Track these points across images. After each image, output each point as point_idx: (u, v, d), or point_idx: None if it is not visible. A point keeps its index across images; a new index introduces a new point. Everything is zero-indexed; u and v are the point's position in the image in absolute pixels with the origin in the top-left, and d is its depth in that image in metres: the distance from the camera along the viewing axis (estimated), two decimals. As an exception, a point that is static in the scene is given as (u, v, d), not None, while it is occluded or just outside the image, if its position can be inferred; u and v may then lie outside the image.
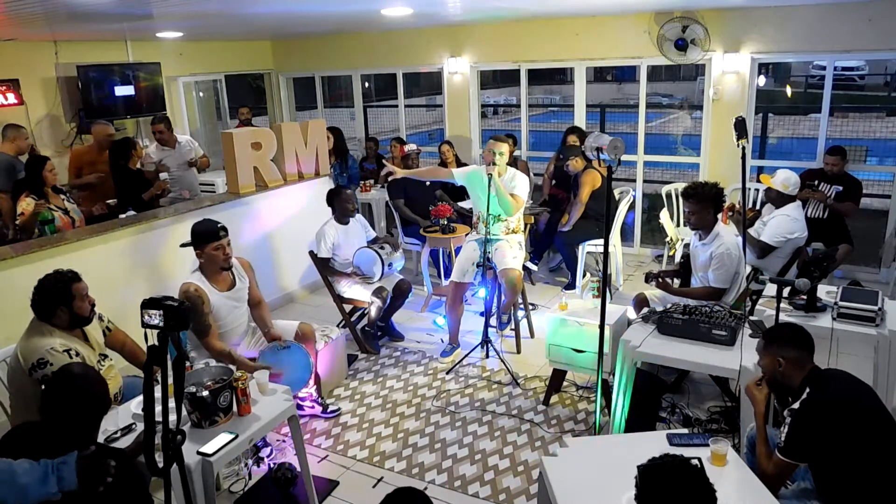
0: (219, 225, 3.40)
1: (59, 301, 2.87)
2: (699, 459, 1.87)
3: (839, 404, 2.27)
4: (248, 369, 3.34)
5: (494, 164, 4.29)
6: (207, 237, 3.36)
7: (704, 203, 3.70)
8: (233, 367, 3.22)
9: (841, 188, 5.24)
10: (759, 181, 5.18)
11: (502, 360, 4.41)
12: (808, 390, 2.33)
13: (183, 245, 3.52)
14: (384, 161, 5.20)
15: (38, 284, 2.89)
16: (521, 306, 4.95)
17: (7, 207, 4.68)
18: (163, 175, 5.53)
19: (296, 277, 5.86)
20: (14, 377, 2.88)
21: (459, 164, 6.80)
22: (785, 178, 4.38)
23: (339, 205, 4.69)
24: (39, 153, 5.65)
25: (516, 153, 6.94)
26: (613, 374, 3.45)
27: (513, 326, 4.82)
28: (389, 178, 4.75)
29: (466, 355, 4.55)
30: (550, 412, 3.92)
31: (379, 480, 3.36)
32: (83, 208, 4.93)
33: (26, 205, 4.36)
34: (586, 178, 5.58)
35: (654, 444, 2.52)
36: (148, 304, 1.97)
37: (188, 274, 3.48)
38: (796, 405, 2.32)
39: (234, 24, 6.20)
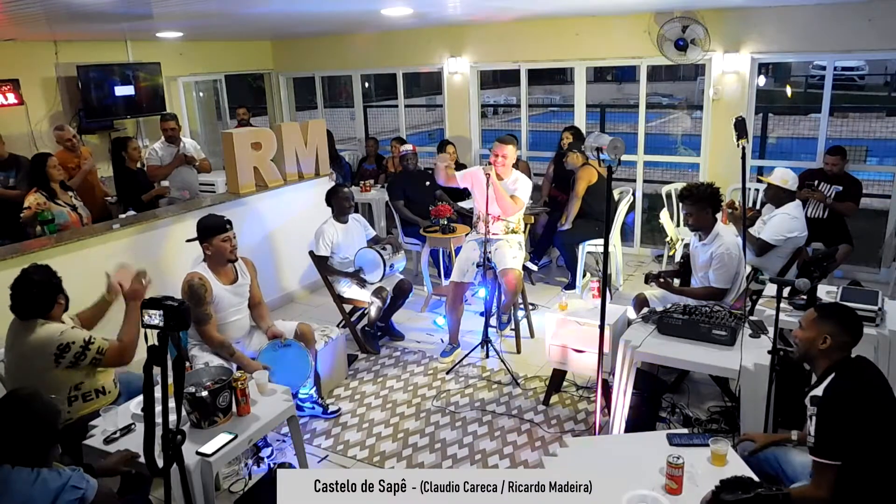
0: (224, 218, 3.55)
1: (58, 290, 2.90)
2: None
3: (868, 394, 2.18)
4: (246, 366, 3.36)
5: (490, 163, 4.31)
6: (215, 230, 3.48)
7: (700, 204, 3.71)
8: (232, 368, 3.23)
9: (841, 188, 5.24)
10: (759, 181, 5.18)
11: (502, 360, 4.41)
12: (833, 376, 2.25)
13: (189, 240, 3.60)
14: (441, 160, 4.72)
15: (33, 282, 2.85)
16: (521, 306, 4.95)
17: None
18: (164, 183, 5.58)
19: (296, 277, 5.86)
20: (29, 371, 2.85)
21: (458, 165, 6.80)
22: (783, 173, 4.40)
23: (337, 203, 4.70)
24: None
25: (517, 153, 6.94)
26: (613, 374, 3.45)
27: (513, 326, 4.82)
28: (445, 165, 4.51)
29: (466, 355, 4.54)
30: (550, 412, 3.91)
31: (379, 480, 3.35)
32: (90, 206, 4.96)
33: (33, 199, 4.42)
34: (582, 173, 5.63)
35: (654, 444, 2.53)
36: (148, 304, 1.97)
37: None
38: (819, 391, 2.22)
39: (234, 24, 6.20)
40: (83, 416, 2.91)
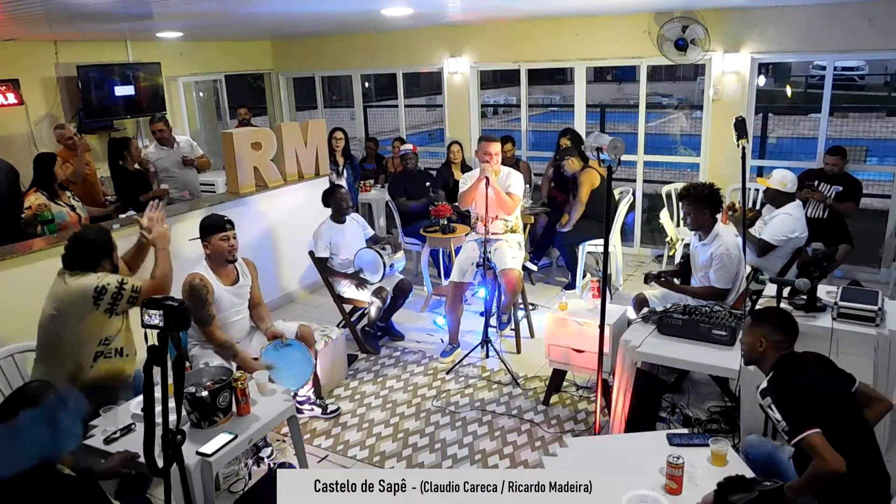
0: (225, 218, 3.56)
1: (105, 254, 3.07)
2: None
3: (809, 373, 2.40)
4: (249, 367, 3.36)
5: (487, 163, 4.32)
6: (214, 228, 3.50)
7: (699, 204, 3.71)
8: (232, 368, 3.23)
9: (841, 188, 5.23)
10: (758, 183, 5.18)
11: (502, 360, 4.41)
12: (772, 374, 2.44)
13: (192, 239, 3.61)
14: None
15: (83, 239, 3.04)
16: (521, 306, 4.95)
17: None
18: (163, 186, 5.58)
19: (296, 277, 5.86)
20: (66, 317, 2.92)
21: (463, 166, 6.81)
22: (782, 176, 4.39)
23: (335, 203, 4.70)
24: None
25: (517, 153, 6.95)
26: (613, 374, 3.45)
27: (513, 326, 4.82)
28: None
29: (466, 355, 4.54)
30: (550, 412, 3.91)
31: (379, 480, 3.35)
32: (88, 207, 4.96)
33: (34, 199, 4.43)
34: (585, 177, 5.56)
35: (654, 444, 2.53)
36: (148, 304, 1.97)
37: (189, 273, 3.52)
38: (764, 383, 2.43)
39: (234, 24, 6.20)
40: (104, 378, 3.02)
